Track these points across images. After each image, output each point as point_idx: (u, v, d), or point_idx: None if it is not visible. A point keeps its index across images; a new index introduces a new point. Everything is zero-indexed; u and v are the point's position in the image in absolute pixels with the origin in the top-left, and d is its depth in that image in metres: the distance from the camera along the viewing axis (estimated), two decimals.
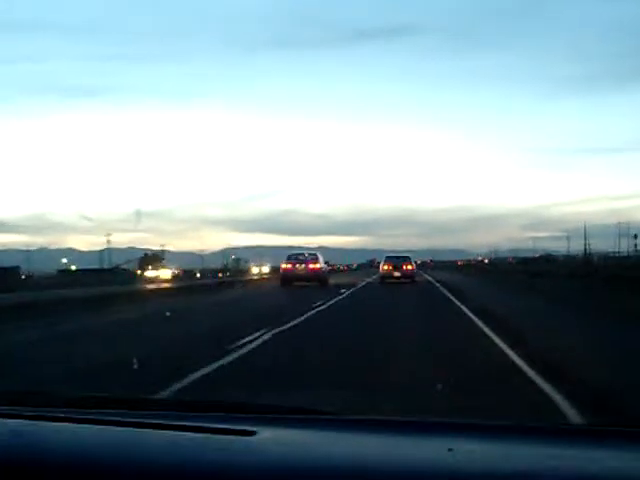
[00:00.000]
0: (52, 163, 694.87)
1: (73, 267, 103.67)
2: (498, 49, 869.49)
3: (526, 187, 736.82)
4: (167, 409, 2.04)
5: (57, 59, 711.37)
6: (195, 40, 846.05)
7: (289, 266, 33.97)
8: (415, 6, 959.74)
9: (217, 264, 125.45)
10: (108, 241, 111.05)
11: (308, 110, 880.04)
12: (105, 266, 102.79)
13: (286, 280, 33.39)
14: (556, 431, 1.75)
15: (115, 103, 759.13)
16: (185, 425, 1.65)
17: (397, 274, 37.10)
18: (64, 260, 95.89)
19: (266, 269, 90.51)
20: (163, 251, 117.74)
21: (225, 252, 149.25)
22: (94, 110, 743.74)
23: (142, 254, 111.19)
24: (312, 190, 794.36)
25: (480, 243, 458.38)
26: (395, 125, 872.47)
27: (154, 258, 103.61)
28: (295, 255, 35.00)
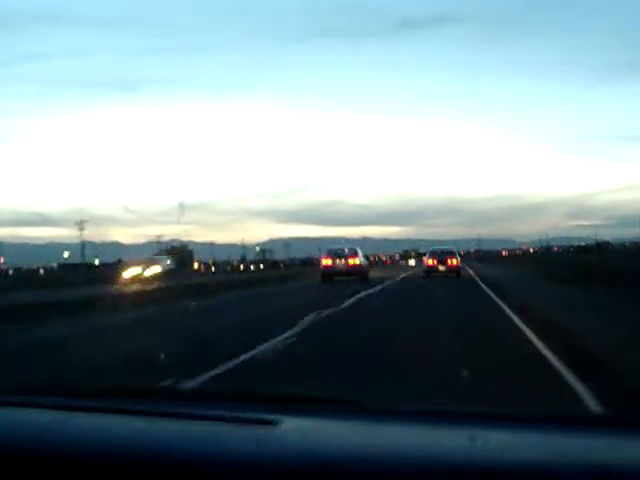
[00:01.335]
0: (95, 156, 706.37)
1: (98, 262, 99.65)
2: (540, 37, 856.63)
3: (570, 175, 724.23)
4: (186, 399, 2.02)
5: (98, 53, 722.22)
6: (236, 31, 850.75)
7: (329, 262, 33.71)
8: None
9: (250, 256, 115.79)
10: (81, 228, 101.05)
11: (350, 100, 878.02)
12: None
13: (326, 276, 33.11)
14: (577, 420, 1.67)
15: (157, 96, 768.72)
16: (203, 414, 1.65)
17: (442, 268, 36.36)
18: (66, 254, 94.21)
19: (157, 268, 52.02)
20: (160, 241, 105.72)
21: (245, 244, 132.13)
22: (136, 103, 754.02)
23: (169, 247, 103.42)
24: (355, 181, 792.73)
25: (524, 232, 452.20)
26: (437, 114, 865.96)
27: (180, 251, 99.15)
28: (335, 250, 34.76)
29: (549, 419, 1.60)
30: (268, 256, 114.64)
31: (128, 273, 49.32)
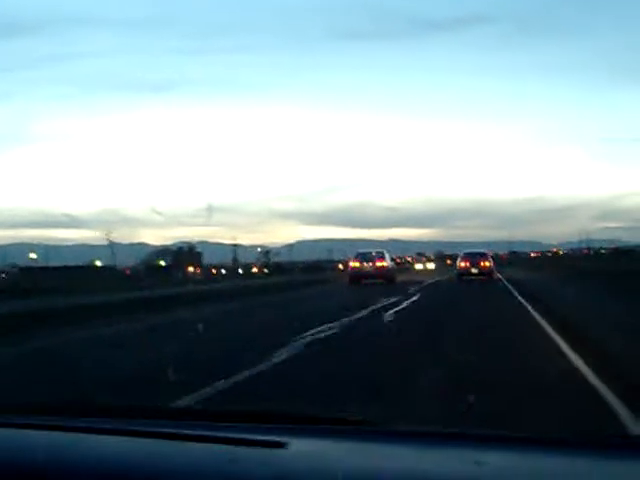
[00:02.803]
0: (125, 158, 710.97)
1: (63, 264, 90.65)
2: (567, 38, 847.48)
3: (598, 177, 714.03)
4: (192, 418, 1.92)
5: (129, 54, 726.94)
6: (265, 33, 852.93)
7: (357, 265, 34.59)
8: None
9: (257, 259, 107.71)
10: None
11: (377, 102, 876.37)
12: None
13: (354, 278, 33.95)
14: (588, 443, 1.58)
15: (184, 97, 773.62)
16: (210, 436, 1.57)
17: (474, 271, 36.10)
18: (33, 255, 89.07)
19: None
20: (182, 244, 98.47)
21: (237, 245, 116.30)
22: (163, 105, 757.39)
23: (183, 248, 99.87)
24: (383, 183, 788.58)
25: (553, 234, 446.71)
26: (465, 116, 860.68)
27: (189, 253, 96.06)
28: (363, 253, 35.54)
29: (560, 442, 1.53)
30: (272, 258, 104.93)
31: None
